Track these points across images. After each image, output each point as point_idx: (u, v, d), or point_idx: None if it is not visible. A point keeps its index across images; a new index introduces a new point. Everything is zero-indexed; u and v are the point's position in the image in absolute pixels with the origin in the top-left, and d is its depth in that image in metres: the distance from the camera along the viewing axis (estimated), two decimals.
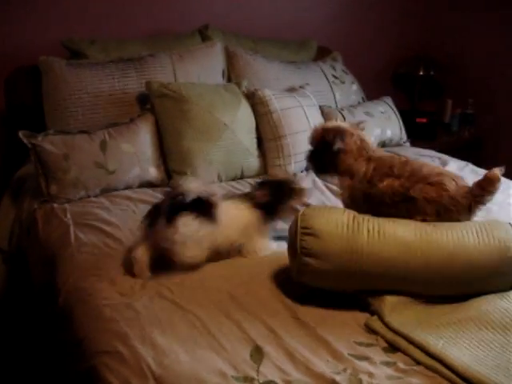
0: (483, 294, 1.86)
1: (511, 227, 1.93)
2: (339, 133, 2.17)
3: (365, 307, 1.84)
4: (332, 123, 2.35)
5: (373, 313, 1.80)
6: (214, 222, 2.03)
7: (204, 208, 2.03)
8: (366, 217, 1.91)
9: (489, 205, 2.27)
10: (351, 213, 1.92)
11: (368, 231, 1.84)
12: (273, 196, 2.21)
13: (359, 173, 2.14)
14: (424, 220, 1.96)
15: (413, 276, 1.83)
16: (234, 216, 2.14)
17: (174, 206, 1.98)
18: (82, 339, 1.77)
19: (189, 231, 1.97)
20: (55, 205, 2.57)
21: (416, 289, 1.86)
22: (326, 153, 2.18)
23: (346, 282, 1.85)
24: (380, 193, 2.07)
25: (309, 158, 2.32)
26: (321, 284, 1.87)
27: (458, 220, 1.98)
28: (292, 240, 1.87)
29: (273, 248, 2.21)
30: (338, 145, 2.15)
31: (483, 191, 1.98)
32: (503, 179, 2.91)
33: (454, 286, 1.85)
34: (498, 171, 1.97)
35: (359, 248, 1.81)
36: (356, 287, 1.86)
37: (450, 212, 1.98)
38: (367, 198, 2.11)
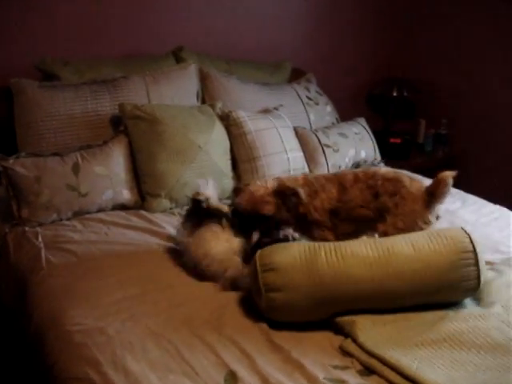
0: (452, 296, 1.93)
1: (462, 228, 2.00)
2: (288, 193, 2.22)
3: (338, 330, 1.83)
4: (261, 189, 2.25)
5: (347, 335, 1.80)
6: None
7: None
8: (320, 244, 1.94)
9: (461, 225, 2.30)
10: (305, 243, 1.96)
11: (325, 253, 1.87)
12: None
13: (321, 197, 2.25)
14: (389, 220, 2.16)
15: (378, 288, 1.84)
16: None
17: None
18: (53, 365, 1.75)
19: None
20: (27, 228, 2.54)
21: (385, 303, 1.87)
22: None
23: (315, 309, 1.84)
24: (352, 197, 2.22)
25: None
26: (292, 317, 1.86)
27: (415, 211, 2.13)
28: (254, 279, 1.87)
29: None
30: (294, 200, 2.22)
31: (435, 190, 2.15)
32: (475, 199, 2.99)
33: (420, 292, 1.88)
34: (448, 174, 2.14)
35: (320, 271, 1.83)
36: (326, 314, 1.86)
37: (405, 201, 2.15)
38: (335, 211, 2.24)
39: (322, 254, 1.87)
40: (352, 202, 2.23)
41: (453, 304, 1.94)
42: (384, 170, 2.32)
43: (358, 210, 2.23)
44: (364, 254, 1.87)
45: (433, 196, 2.15)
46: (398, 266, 1.86)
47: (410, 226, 2.11)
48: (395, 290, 1.85)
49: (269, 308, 1.84)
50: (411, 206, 2.15)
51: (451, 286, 1.90)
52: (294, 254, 1.87)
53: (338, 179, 2.28)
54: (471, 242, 1.93)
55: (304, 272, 1.82)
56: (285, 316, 1.85)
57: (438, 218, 2.23)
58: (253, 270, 1.89)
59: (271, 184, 2.23)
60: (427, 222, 2.15)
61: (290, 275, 1.82)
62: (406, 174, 2.29)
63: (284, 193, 2.19)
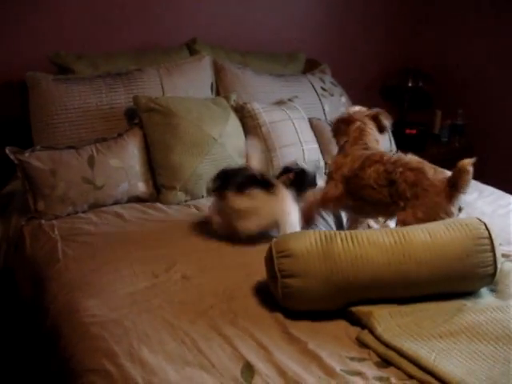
0: (469, 284, 1.93)
1: (477, 218, 1.99)
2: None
3: (355, 321, 1.82)
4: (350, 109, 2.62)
5: (364, 326, 1.78)
6: (273, 197, 2.32)
7: (264, 185, 2.32)
8: (336, 231, 1.94)
9: (479, 215, 2.28)
10: (322, 232, 1.93)
11: (341, 240, 1.86)
12: (297, 181, 2.42)
13: (353, 155, 2.36)
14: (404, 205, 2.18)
15: (395, 274, 1.83)
16: (281, 194, 2.36)
17: (242, 179, 2.30)
18: (70, 357, 1.75)
19: (248, 203, 2.28)
20: (43, 221, 2.56)
21: (401, 291, 1.86)
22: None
23: (331, 296, 1.83)
24: (367, 176, 2.27)
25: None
26: (308, 305, 1.85)
27: (438, 204, 2.12)
28: (270, 266, 1.87)
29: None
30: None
31: (457, 180, 2.11)
32: (492, 190, 2.95)
33: (437, 279, 1.87)
34: (467, 162, 2.10)
35: (336, 257, 1.82)
36: (343, 301, 1.85)
37: (427, 193, 2.15)
38: (350, 181, 2.33)
39: (339, 240, 1.86)
40: (363, 180, 2.28)
41: (470, 294, 1.93)
42: (409, 158, 2.29)
43: (368, 191, 2.27)
44: (380, 241, 1.86)
45: (455, 187, 2.12)
46: (415, 253, 1.85)
47: (432, 218, 2.09)
48: (412, 276, 1.84)
49: (285, 295, 1.82)
50: (434, 199, 2.14)
51: (468, 273, 1.89)
52: (310, 240, 1.86)
53: (368, 156, 2.33)
54: (487, 228, 1.92)
55: (320, 258, 1.81)
56: (301, 304, 1.84)
57: (460, 209, 2.20)
58: (268, 256, 1.88)
59: None
60: (449, 214, 2.13)
61: (306, 261, 1.81)
62: (430, 165, 2.26)
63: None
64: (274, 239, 1.93)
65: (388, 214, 2.36)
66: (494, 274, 1.92)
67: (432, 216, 2.11)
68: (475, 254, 1.88)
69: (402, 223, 2.16)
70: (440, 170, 2.24)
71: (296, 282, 1.81)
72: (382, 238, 1.88)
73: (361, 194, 2.31)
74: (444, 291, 1.90)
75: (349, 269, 1.81)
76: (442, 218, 2.09)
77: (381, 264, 1.83)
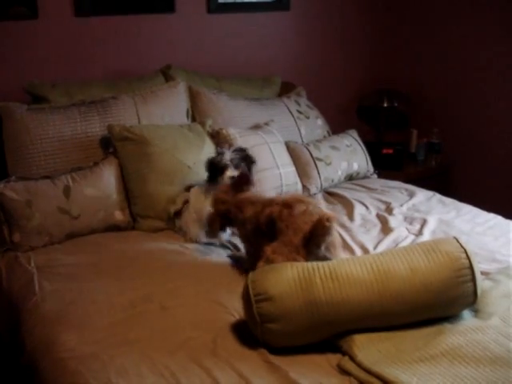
0: (448, 312, 1.90)
1: (456, 240, 1.96)
2: None
3: (336, 348, 1.81)
4: None
5: (344, 353, 1.77)
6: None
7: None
8: (315, 264, 1.89)
9: (457, 235, 2.29)
10: (298, 265, 1.88)
11: (321, 279, 1.81)
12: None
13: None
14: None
15: (376, 311, 1.82)
16: None
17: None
18: None
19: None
20: (19, 253, 2.53)
21: (382, 324, 1.84)
22: None
23: (312, 335, 1.82)
24: (247, 216, 2.21)
25: None
26: (289, 343, 1.81)
27: (293, 245, 2.03)
28: (249, 310, 1.82)
29: None
30: None
31: (314, 232, 2.01)
32: (470, 208, 2.97)
33: (418, 312, 1.86)
34: (327, 218, 1.99)
35: (317, 299, 1.78)
36: (324, 337, 1.83)
37: (288, 230, 2.05)
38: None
39: (318, 280, 1.80)
40: (246, 220, 2.22)
41: (449, 316, 1.92)
42: (291, 194, 2.28)
43: (250, 227, 2.20)
44: (361, 279, 1.82)
45: (312, 237, 2.03)
46: (396, 289, 1.82)
47: (286, 258, 2.01)
48: (394, 312, 1.83)
49: (266, 338, 1.80)
50: (291, 237, 2.05)
51: (449, 303, 1.88)
52: (288, 280, 1.81)
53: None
54: (467, 257, 1.89)
55: (300, 301, 1.77)
56: (283, 343, 1.81)
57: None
58: (245, 297, 1.84)
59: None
60: (299, 259, 2.01)
61: (286, 305, 1.77)
62: (308, 201, 2.15)
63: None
64: (249, 277, 1.87)
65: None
66: (473, 302, 1.92)
67: (286, 255, 2.03)
68: (456, 286, 1.86)
69: (265, 258, 2.08)
70: (320, 208, 2.15)
71: (277, 326, 1.77)
72: (362, 275, 1.83)
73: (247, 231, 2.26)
74: (424, 319, 1.89)
75: (330, 311, 1.78)
76: (294, 258, 2.01)
77: (362, 304, 1.80)
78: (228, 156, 2.57)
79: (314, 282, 1.81)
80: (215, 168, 2.57)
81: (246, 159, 2.64)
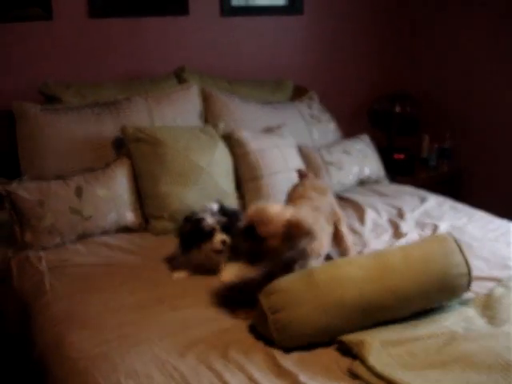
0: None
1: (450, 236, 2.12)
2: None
3: (346, 351, 1.80)
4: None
5: (355, 356, 1.76)
6: None
7: None
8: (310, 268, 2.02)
9: (469, 241, 2.28)
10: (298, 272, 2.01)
11: (320, 268, 1.99)
12: None
13: None
14: None
15: (380, 291, 1.90)
16: None
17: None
18: None
19: None
20: (30, 253, 2.53)
21: (390, 307, 1.91)
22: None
23: (322, 323, 1.83)
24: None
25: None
26: (301, 338, 1.83)
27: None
28: (257, 308, 1.89)
29: None
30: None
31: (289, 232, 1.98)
32: (482, 214, 2.95)
33: (422, 297, 1.97)
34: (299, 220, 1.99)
35: (319, 281, 1.89)
36: (334, 327, 1.84)
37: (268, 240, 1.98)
38: None
39: (317, 269, 1.97)
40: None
41: (463, 321, 1.93)
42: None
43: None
44: (358, 260, 2.04)
45: (287, 238, 1.97)
46: (393, 265, 1.97)
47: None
48: (398, 289, 1.92)
49: (277, 330, 1.81)
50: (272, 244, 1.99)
51: (445, 283, 2.01)
52: (289, 277, 1.95)
53: None
54: (454, 240, 2.07)
55: (304, 287, 1.88)
56: (294, 337, 1.82)
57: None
58: (259, 312, 1.90)
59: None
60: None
61: (292, 293, 1.87)
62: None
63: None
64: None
65: None
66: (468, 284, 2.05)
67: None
68: (451, 272, 2.01)
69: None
70: (295, 212, 2.06)
71: (286, 315, 1.81)
72: (358, 258, 2.02)
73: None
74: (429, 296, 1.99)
75: (332, 289, 1.88)
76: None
77: (363, 279, 1.90)
78: (211, 220, 2.32)
79: (314, 270, 1.95)
80: (197, 234, 2.32)
81: (232, 218, 2.36)
